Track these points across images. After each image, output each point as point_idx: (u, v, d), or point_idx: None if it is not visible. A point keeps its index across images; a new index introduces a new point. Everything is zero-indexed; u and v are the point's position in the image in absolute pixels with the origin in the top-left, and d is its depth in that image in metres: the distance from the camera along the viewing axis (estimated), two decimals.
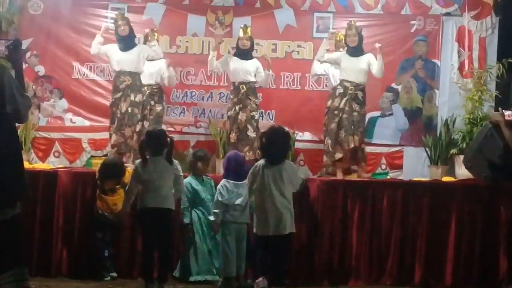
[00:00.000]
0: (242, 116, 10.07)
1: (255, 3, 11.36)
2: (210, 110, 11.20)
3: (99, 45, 10.25)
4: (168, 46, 10.95)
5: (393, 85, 11.17)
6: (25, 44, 11.02)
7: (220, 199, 8.03)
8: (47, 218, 8.68)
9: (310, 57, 11.11)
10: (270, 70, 10.42)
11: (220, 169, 9.99)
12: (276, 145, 7.49)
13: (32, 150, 10.91)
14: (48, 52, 11.30)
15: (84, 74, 11.25)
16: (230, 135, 10.15)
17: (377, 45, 10.02)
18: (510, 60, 10.21)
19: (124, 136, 9.96)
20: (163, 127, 10.56)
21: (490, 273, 8.62)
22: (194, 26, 11.34)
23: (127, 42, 10.10)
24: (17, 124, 5.20)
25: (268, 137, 7.58)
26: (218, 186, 8.14)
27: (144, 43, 10.55)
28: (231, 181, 8.08)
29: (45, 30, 11.31)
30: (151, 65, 10.36)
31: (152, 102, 10.37)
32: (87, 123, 11.16)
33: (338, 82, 10.00)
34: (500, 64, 10.35)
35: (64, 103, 11.25)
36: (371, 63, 9.92)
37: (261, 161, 7.57)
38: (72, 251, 8.60)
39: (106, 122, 10.91)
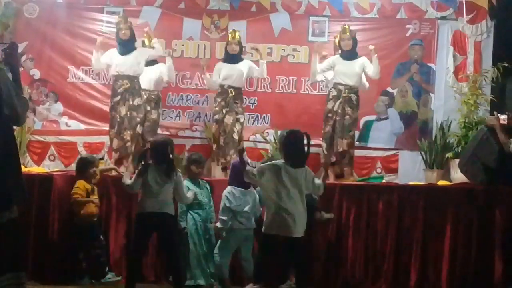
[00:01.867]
0: (228, 119, 10.06)
1: (251, 7, 11.36)
2: (206, 114, 11.20)
3: (98, 62, 10.18)
4: (163, 49, 10.92)
5: (389, 89, 11.18)
6: (20, 47, 11.01)
7: (228, 205, 8.02)
8: (42, 222, 8.66)
9: (305, 61, 11.12)
10: (265, 60, 10.40)
11: (216, 172, 10.03)
12: (298, 148, 7.42)
13: (27, 154, 10.90)
14: (43, 55, 11.28)
15: (79, 78, 11.23)
16: (219, 138, 10.14)
17: (371, 46, 10.01)
18: (505, 64, 10.25)
19: (123, 140, 9.92)
20: (158, 131, 10.62)
21: (485, 277, 8.62)
22: (190, 29, 11.34)
23: (127, 46, 10.03)
24: (14, 127, 5.20)
25: (290, 140, 7.48)
26: (225, 193, 8.11)
27: (143, 44, 10.51)
28: (237, 188, 8.07)
29: (40, 33, 11.30)
30: (151, 71, 10.36)
31: (149, 108, 10.35)
32: (82, 126, 11.15)
33: (332, 85, 10.00)
34: (495, 68, 10.38)
35: (59, 106, 11.24)
36: (365, 66, 9.92)
37: (279, 161, 7.46)
38: (68, 255, 8.55)
39: (101, 125, 10.91)
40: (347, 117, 9.85)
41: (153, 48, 10.30)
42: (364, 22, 11.13)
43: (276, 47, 11.28)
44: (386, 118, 11.14)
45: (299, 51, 11.28)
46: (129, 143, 9.92)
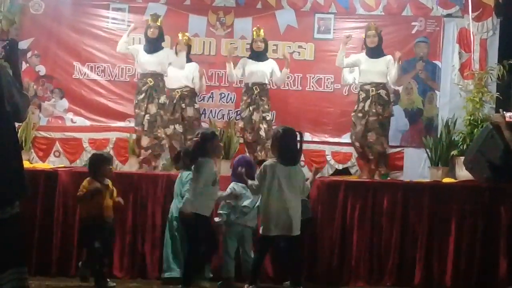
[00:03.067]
0: (256, 117, 10.09)
1: (256, 4, 11.38)
2: (211, 111, 11.21)
3: (126, 44, 10.17)
4: (169, 46, 10.90)
5: (394, 86, 11.15)
6: (26, 44, 11.07)
7: (227, 200, 8.02)
8: (47, 218, 8.67)
9: (311, 58, 11.15)
10: (288, 69, 10.40)
11: (221, 169, 10.03)
12: (292, 146, 7.43)
13: (32, 150, 10.93)
14: (49, 52, 11.31)
15: (85, 74, 11.26)
16: (245, 136, 10.19)
17: (398, 53, 9.97)
18: (511, 62, 10.22)
19: (158, 138, 9.94)
20: None
21: (490, 274, 8.61)
22: (195, 26, 11.36)
23: (154, 45, 10.02)
24: (16, 124, 5.20)
25: (285, 138, 7.50)
26: (227, 189, 8.09)
27: (171, 47, 10.47)
28: (239, 184, 8.05)
29: (46, 30, 11.33)
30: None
31: (183, 105, 10.26)
32: (87, 123, 11.17)
33: (359, 87, 10.03)
34: (501, 66, 10.37)
35: (64, 103, 11.27)
36: (389, 67, 9.92)
37: (270, 161, 7.49)
38: (72, 251, 8.58)
39: (106, 122, 10.96)
40: (380, 117, 9.87)
41: (179, 51, 10.15)
42: (370, 19, 11.07)
43: (282, 44, 11.28)
44: (392, 115, 11.12)
45: (305, 48, 11.29)
46: (164, 141, 9.98)
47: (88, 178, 7.87)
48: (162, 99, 9.98)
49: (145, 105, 9.89)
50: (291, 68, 10.97)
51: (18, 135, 6.47)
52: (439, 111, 11.09)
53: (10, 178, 4.89)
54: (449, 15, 11.22)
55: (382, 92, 9.90)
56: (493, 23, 11.03)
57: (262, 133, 10.06)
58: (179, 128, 10.12)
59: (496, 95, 10.59)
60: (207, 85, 11.06)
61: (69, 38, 11.31)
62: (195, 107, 10.44)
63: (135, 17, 11.14)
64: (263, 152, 9.90)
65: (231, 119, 11.06)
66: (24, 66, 10.94)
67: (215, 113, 11.12)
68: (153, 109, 9.89)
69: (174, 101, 10.16)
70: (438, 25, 11.19)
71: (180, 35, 10.40)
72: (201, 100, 11.11)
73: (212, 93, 11.22)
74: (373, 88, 9.86)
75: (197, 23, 11.36)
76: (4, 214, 4.87)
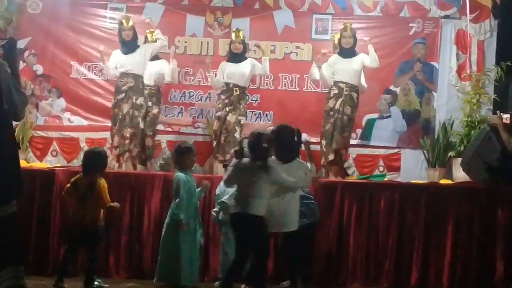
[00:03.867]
0: (231, 118, 10.10)
1: (254, 4, 11.36)
2: (208, 111, 11.19)
3: (109, 70, 10.22)
4: (166, 46, 10.89)
5: (391, 87, 11.18)
6: (23, 43, 11.05)
7: (224, 199, 7.99)
8: (44, 217, 8.68)
9: (308, 59, 11.12)
10: (267, 57, 10.45)
11: (218, 170, 10.03)
12: (287, 143, 7.43)
13: (29, 149, 10.91)
14: (46, 51, 11.29)
15: (82, 74, 11.24)
16: (219, 136, 10.18)
17: (365, 38, 10.13)
18: (509, 64, 10.27)
19: (123, 137, 9.94)
20: (160, 127, 10.63)
21: (486, 276, 8.62)
22: (193, 26, 11.34)
23: (130, 46, 10.09)
24: (14, 123, 5.19)
25: (279, 135, 7.51)
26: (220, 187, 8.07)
27: (146, 40, 10.53)
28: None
29: (43, 29, 11.30)
30: (151, 66, 10.34)
31: (150, 103, 10.34)
32: (85, 122, 11.15)
33: (332, 83, 10.01)
34: (499, 67, 10.40)
35: (62, 102, 11.24)
36: (364, 60, 9.97)
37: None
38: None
39: (104, 121, 10.93)
40: (345, 117, 9.88)
41: (156, 40, 10.31)
42: (368, 20, 11.13)
43: (279, 44, 11.27)
44: (389, 117, 11.14)
45: (302, 49, 11.28)
46: (127, 141, 9.94)
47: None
48: (140, 100, 10.01)
49: (123, 105, 9.95)
50: (288, 69, 11.02)
51: (15, 134, 6.43)
52: (436, 112, 11.08)
53: (7, 177, 4.89)
54: (446, 17, 11.22)
55: (354, 94, 9.96)
56: (490, 24, 11.04)
57: (237, 135, 10.08)
58: (141, 124, 10.12)
59: (494, 96, 10.60)
60: (204, 85, 11.07)
61: (66, 38, 11.29)
62: (160, 107, 10.60)
63: (133, 16, 11.09)
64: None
65: None
66: (21, 65, 10.89)
67: (212, 113, 11.09)
68: (125, 108, 9.93)
69: (144, 101, 10.18)
70: (435, 27, 11.19)
71: (151, 36, 10.48)
72: (198, 100, 11.12)
73: (209, 93, 11.20)
74: (347, 88, 9.90)
75: (194, 23, 11.34)
76: (1, 213, 4.87)
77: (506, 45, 10.91)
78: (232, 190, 7.68)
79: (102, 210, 7.79)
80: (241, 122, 10.19)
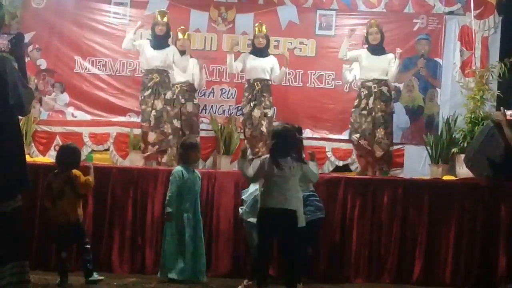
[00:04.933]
0: (256, 113, 10.11)
1: (258, 0, 11.35)
2: (212, 106, 11.19)
3: (131, 41, 10.21)
4: (173, 43, 10.88)
5: (395, 83, 11.14)
6: (27, 37, 11.00)
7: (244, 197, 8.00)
8: (47, 212, 8.66)
9: (312, 54, 11.14)
10: (287, 68, 10.45)
11: (221, 164, 10.04)
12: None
13: (33, 144, 10.90)
14: (50, 46, 11.28)
15: (86, 69, 11.22)
16: (245, 131, 10.21)
17: (399, 50, 10.01)
18: None
19: (164, 133, 9.93)
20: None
21: (489, 272, 8.63)
22: (197, 21, 11.33)
23: (161, 41, 10.07)
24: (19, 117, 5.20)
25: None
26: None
27: (177, 38, 10.49)
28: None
29: (47, 24, 11.30)
30: (181, 62, 10.25)
31: (183, 101, 10.31)
32: (88, 117, 11.14)
33: (360, 84, 10.02)
34: (502, 64, 10.37)
35: (65, 97, 11.24)
36: (390, 65, 9.95)
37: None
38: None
39: (107, 116, 10.96)
40: (383, 113, 9.88)
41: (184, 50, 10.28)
42: (372, 16, 11.07)
43: (283, 40, 11.26)
44: (393, 112, 11.12)
45: (306, 44, 11.27)
46: (171, 136, 9.94)
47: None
48: (169, 94, 10.00)
49: (152, 101, 9.90)
50: (292, 64, 10.97)
51: None
52: (440, 108, 11.08)
53: (13, 172, 4.90)
54: (450, 13, 11.21)
55: (384, 88, 9.90)
56: (494, 21, 11.03)
57: (263, 129, 10.07)
58: (177, 123, 10.12)
59: (497, 93, 10.60)
60: (208, 80, 11.06)
61: (70, 32, 11.28)
62: (194, 102, 10.47)
63: (137, 11, 11.13)
64: (264, 148, 9.91)
65: (231, 114, 11.04)
66: (25, 60, 10.89)
67: (216, 108, 11.11)
68: (159, 104, 9.90)
69: (174, 96, 10.15)
70: (439, 23, 11.18)
71: (181, 34, 10.43)
72: (201, 96, 11.11)
73: (213, 88, 11.20)
74: (375, 85, 9.87)
75: (198, 18, 11.34)
76: (6, 208, 4.87)
77: (510, 41, 10.91)
78: (252, 188, 7.85)
79: (81, 203, 7.84)
80: (268, 115, 10.19)
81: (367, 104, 9.89)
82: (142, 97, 10.03)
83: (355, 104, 10.05)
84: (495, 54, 10.97)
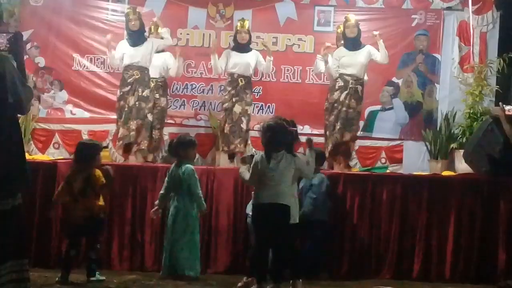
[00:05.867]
0: (237, 109, 10.09)
1: None
2: (211, 103, 11.19)
3: (114, 59, 10.24)
4: (171, 38, 10.87)
5: (394, 79, 11.16)
6: (25, 35, 10.96)
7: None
8: (46, 210, 8.66)
9: (311, 51, 11.12)
10: (271, 56, 10.36)
11: (220, 161, 10.04)
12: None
13: (31, 142, 10.90)
14: (48, 43, 11.28)
15: (84, 66, 11.22)
16: (224, 126, 10.17)
17: (375, 32, 10.03)
18: (511, 55, 10.23)
19: (129, 129, 9.94)
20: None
21: (488, 267, 8.64)
22: (195, 18, 11.32)
23: (137, 37, 10.08)
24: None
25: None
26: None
27: (150, 32, 10.48)
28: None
29: (45, 21, 11.28)
30: (156, 59, 10.31)
31: (157, 95, 10.36)
32: (87, 114, 11.14)
33: (338, 75, 9.96)
34: (501, 59, 10.37)
35: (64, 94, 11.24)
36: (372, 53, 9.91)
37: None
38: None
39: (106, 114, 10.95)
40: (350, 110, 9.83)
41: (162, 38, 10.32)
42: (370, 12, 11.11)
43: (282, 36, 11.25)
44: (391, 108, 11.13)
45: (305, 41, 11.26)
46: (133, 133, 9.91)
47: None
48: (146, 92, 10.01)
49: (129, 98, 9.95)
50: (290, 61, 10.99)
51: None
52: (438, 104, 11.07)
53: (13, 170, 4.90)
54: (449, 8, 11.19)
55: (359, 88, 9.89)
56: (493, 16, 11.02)
57: (243, 125, 10.08)
58: (149, 117, 10.13)
59: (496, 88, 10.59)
60: (207, 77, 11.07)
61: (68, 30, 11.27)
62: (167, 98, 10.63)
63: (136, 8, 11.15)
64: (242, 145, 9.95)
65: None
66: (24, 58, 10.89)
67: (215, 105, 11.10)
68: (131, 101, 9.93)
69: (149, 92, 10.17)
70: (438, 18, 11.17)
71: (153, 28, 10.47)
72: (200, 92, 11.12)
73: (211, 85, 11.20)
74: (353, 81, 9.84)
75: (196, 15, 11.33)
76: (6, 205, 4.88)
77: (509, 37, 10.90)
78: None
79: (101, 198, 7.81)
80: (248, 112, 10.19)
81: (339, 97, 9.84)
82: (121, 93, 10.05)
83: (328, 96, 9.99)
84: (494, 49, 10.97)
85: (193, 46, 11.11)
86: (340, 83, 9.88)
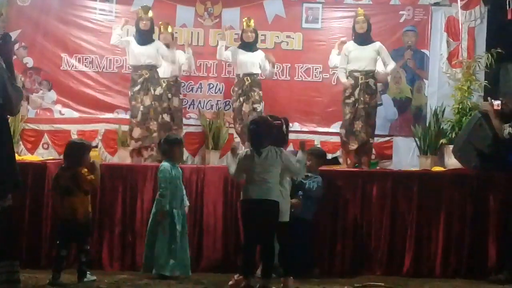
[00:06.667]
0: (246, 108, 10.14)
1: None
2: (200, 101, 11.19)
3: (119, 37, 10.25)
4: (157, 37, 10.85)
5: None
6: (13, 35, 10.90)
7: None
8: (36, 210, 8.67)
9: (299, 48, 11.15)
10: (275, 67, 10.53)
11: (210, 160, 10.04)
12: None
13: (21, 142, 10.87)
14: (36, 43, 11.25)
15: (72, 66, 11.19)
16: (235, 126, 10.23)
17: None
18: (499, 50, 10.25)
19: (149, 130, 9.94)
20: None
21: (479, 262, 8.66)
22: (183, 17, 11.32)
23: (146, 37, 10.09)
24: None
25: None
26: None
27: (159, 32, 10.53)
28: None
29: (33, 21, 11.25)
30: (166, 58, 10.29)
31: (170, 95, 10.38)
32: (76, 114, 11.11)
33: (348, 73, 9.96)
34: (489, 54, 10.38)
35: (53, 94, 11.21)
36: (381, 53, 9.97)
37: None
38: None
39: (95, 113, 10.95)
40: (366, 106, 9.85)
41: (172, 37, 10.47)
42: (358, 8, 11.11)
43: (270, 34, 11.25)
44: (380, 105, 11.05)
45: (293, 38, 11.27)
46: (155, 134, 9.92)
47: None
48: (158, 90, 10.01)
49: (141, 97, 9.93)
50: (279, 58, 10.99)
51: None
52: (427, 99, 11.10)
53: (3, 171, 4.89)
54: (437, 4, 11.22)
55: (371, 81, 9.90)
56: (480, 11, 11.04)
57: None
58: (167, 117, 10.14)
59: (484, 83, 10.61)
60: (195, 75, 11.07)
61: (56, 30, 11.25)
62: (180, 97, 10.60)
63: (123, 8, 11.10)
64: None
65: (219, 109, 11.05)
66: (13, 60, 10.85)
67: (204, 103, 11.10)
68: (147, 101, 9.93)
69: (162, 92, 10.15)
70: (426, 14, 11.19)
71: (163, 28, 10.49)
72: (189, 91, 11.11)
73: (200, 83, 11.19)
74: (362, 76, 9.85)
75: (185, 14, 11.32)
76: None
77: (496, 32, 10.92)
78: None
79: (89, 199, 7.77)
80: (258, 110, 10.19)
81: (352, 94, 9.88)
82: (132, 93, 10.04)
83: (344, 94, 10.01)
84: (482, 44, 10.99)
85: (182, 44, 11.07)
86: (350, 80, 9.89)
